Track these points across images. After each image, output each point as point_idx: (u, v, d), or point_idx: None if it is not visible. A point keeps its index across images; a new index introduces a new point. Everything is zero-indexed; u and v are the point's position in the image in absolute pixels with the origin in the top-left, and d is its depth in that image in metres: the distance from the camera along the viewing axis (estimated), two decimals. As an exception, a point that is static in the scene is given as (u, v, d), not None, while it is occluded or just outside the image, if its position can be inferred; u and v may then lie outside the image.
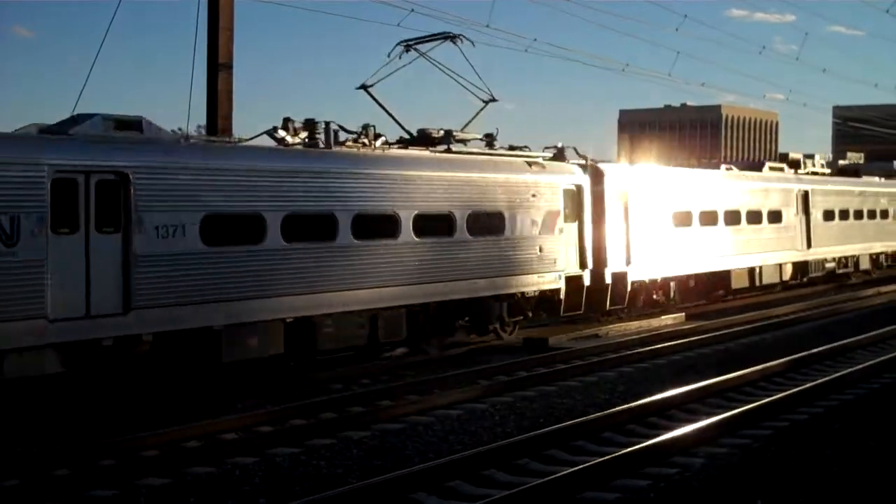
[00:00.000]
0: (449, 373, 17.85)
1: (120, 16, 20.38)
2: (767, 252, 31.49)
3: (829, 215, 36.03)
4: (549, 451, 11.60)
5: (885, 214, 41.24)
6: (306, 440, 12.66)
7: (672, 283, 27.52)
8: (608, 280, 23.92)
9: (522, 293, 21.52)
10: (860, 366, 17.11)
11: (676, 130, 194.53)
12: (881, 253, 41.19)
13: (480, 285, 20.24)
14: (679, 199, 27.58)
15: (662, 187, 27.01)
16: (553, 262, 22.09)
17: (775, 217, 32.36)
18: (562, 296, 22.33)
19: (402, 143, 20.65)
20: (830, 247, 35.85)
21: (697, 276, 28.67)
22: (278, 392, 16.19)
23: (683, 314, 26.66)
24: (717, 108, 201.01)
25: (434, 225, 19.30)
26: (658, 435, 12.04)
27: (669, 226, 26.84)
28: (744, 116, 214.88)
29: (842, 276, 37.72)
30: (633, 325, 24.67)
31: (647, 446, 11.26)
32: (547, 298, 22.32)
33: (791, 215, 33.27)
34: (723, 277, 29.70)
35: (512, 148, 22.51)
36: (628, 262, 24.77)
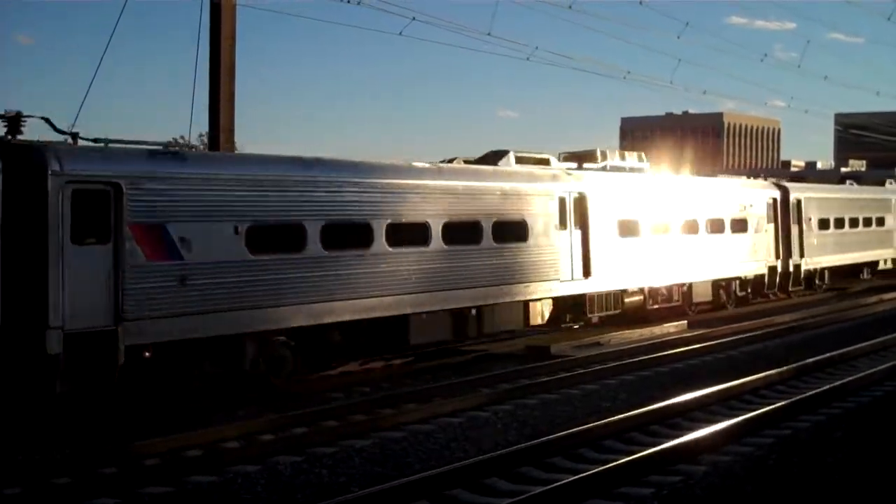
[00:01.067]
0: (451, 381, 17.84)
1: (122, 22, 20.36)
2: (492, 286, 20.61)
3: (627, 229, 24.97)
4: (551, 459, 11.58)
5: (739, 226, 30.20)
6: (308, 448, 12.65)
7: (255, 345, 16.52)
8: (56, 349, 13.76)
9: None
10: (862, 373, 17.10)
11: (678, 138, 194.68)
12: (734, 278, 30.22)
13: None
14: (281, 208, 16.90)
15: (254, 190, 16.50)
16: None
17: (512, 233, 21.31)
18: None
19: None
20: (631, 273, 25.00)
21: (344, 328, 17.93)
22: (280, 400, 16.19)
23: (685, 322, 26.59)
24: (719, 115, 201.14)
25: None
26: (661, 443, 12.03)
27: (242, 250, 16.16)
28: (745, 124, 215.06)
29: (662, 311, 27.05)
30: (636, 333, 24.62)
31: (649, 454, 11.25)
32: None
33: (550, 230, 22.33)
34: (396, 328, 18.91)
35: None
36: (119, 318, 14.43)
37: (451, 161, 22.61)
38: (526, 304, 21.91)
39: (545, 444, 11.91)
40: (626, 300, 25.10)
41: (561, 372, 18.77)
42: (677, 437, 12.34)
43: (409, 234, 19.04)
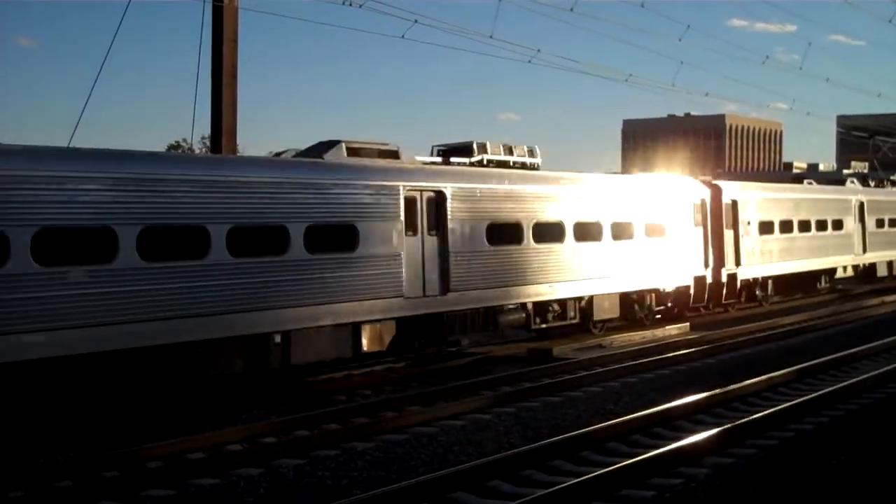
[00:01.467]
0: (453, 384, 17.85)
1: (124, 25, 20.43)
2: (305, 306, 16.96)
3: (501, 234, 21.07)
4: (553, 461, 11.58)
5: (656, 231, 26.03)
6: (311, 451, 12.66)
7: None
8: None
9: None
10: (865, 375, 17.08)
11: (680, 140, 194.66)
12: (649, 291, 26.18)
13: None
14: None
15: None
16: None
17: (335, 241, 17.66)
18: None
19: None
20: (508, 287, 21.19)
21: (82, 362, 14.23)
22: (282, 403, 16.20)
23: (688, 324, 26.58)
24: (721, 117, 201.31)
25: None
26: (663, 445, 12.02)
27: None
28: (748, 126, 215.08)
29: (554, 330, 23.46)
30: (637, 336, 24.64)
31: (652, 456, 11.24)
32: None
33: (393, 236, 18.61)
34: (163, 360, 15.26)
35: None
36: None
37: (281, 153, 19.53)
38: (356, 326, 18.03)
39: (547, 447, 11.91)
40: (502, 319, 21.48)
41: (563, 374, 18.78)
42: (680, 439, 12.34)
43: (178, 243, 15.40)
